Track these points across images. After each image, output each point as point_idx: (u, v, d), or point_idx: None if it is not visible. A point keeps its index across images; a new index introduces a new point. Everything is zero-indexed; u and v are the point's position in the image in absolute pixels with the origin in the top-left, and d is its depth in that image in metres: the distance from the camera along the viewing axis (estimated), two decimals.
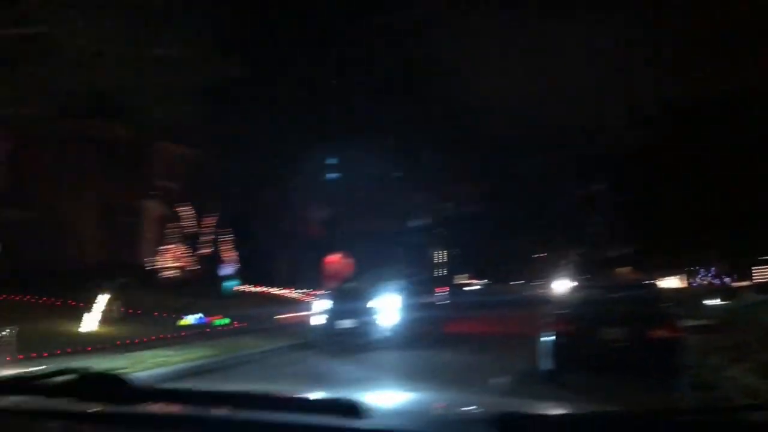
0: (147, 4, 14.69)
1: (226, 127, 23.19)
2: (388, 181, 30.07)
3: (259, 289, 26.88)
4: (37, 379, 1.35)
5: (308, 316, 15.55)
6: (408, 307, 14.65)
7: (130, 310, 16.98)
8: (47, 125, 18.95)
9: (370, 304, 14.39)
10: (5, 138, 23.34)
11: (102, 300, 15.67)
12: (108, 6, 14.27)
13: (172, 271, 26.80)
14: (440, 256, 45.36)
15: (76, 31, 13.98)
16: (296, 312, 19.08)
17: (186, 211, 28.03)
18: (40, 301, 17.13)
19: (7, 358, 10.53)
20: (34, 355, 11.13)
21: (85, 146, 24.59)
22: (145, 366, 10.55)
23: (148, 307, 17.59)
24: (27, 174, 24.82)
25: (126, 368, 10.22)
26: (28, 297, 17.15)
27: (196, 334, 15.46)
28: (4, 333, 10.78)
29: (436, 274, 40.86)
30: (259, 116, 23.17)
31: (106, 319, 15.55)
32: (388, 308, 14.37)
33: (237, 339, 14.60)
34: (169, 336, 14.77)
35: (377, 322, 14.10)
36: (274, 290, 27.10)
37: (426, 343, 13.86)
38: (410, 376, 10.28)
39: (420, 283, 17.66)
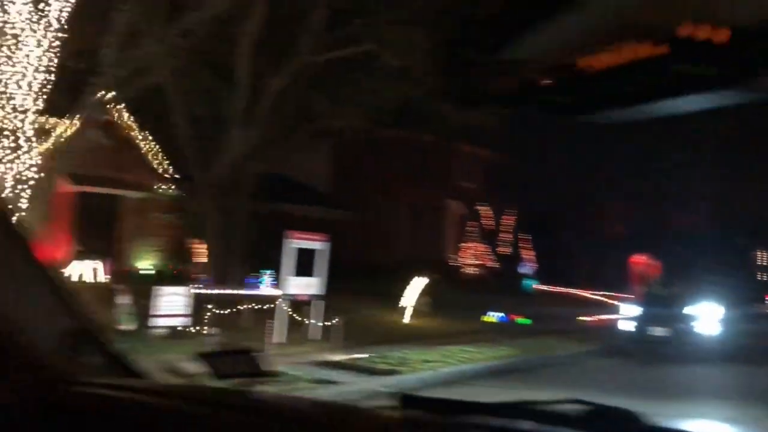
0: (452, 10, 15.27)
1: (525, 127, 23.23)
2: (703, 172, 27.32)
3: (558, 289, 26.44)
4: (543, 405, 1.38)
5: (614, 320, 14.81)
6: (731, 316, 13.13)
7: (437, 305, 17.85)
8: (365, 134, 20.85)
9: (685, 311, 13.21)
10: (332, 146, 26.25)
11: (413, 294, 16.70)
12: (415, 19, 15.16)
13: (472, 269, 27.70)
14: (763, 258, 39.92)
15: (389, 46, 15.13)
16: (600, 315, 18.32)
17: (486, 211, 28.75)
18: (359, 294, 18.84)
19: (338, 345, 11.77)
20: (359, 344, 12.24)
21: (396, 151, 26.57)
22: (453, 361, 10.96)
23: (452, 302, 18.31)
24: (348, 178, 27.68)
25: (437, 361, 10.76)
26: (348, 290, 18.96)
27: (499, 331, 15.67)
28: (334, 321, 12.10)
29: (760, 278, 36.07)
30: (563, 116, 22.72)
31: (416, 312, 16.56)
32: (706, 316, 13.03)
33: (540, 339, 14.46)
34: (474, 332, 15.19)
35: (694, 331, 12.87)
36: (574, 291, 26.41)
37: (755, 357, 12.25)
38: (745, 396, 9.12)
39: (743, 289, 15.72)
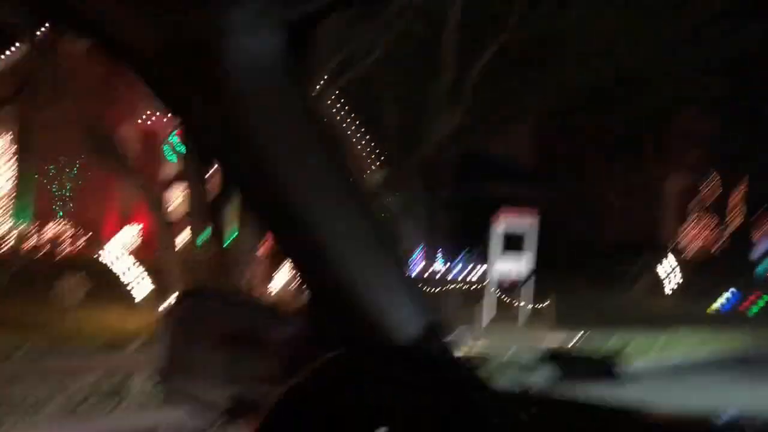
0: None
1: (754, 93, 20.85)
2: None
3: None
4: None
5: None
6: None
7: (657, 288, 16.70)
8: (571, 107, 19.98)
9: None
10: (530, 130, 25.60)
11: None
12: None
13: (697, 249, 25.47)
14: None
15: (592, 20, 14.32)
16: None
17: (711, 186, 26.29)
18: (569, 276, 18.14)
19: (549, 328, 11.42)
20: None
21: (606, 123, 25.21)
22: (681, 348, 10.15)
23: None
24: (553, 154, 26.82)
25: (663, 348, 10.00)
26: (557, 271, 18.34)
27: (731, 318, 14.25)
28: (545, 304, 11.74)
29: None
30: None
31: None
32: None
33: None
34: (701, 318, 13.96)
35: None
36: None
37: None
38: None
39: None
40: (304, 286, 1.05)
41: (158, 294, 10.83)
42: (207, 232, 11.90)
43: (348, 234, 0.96)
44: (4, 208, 19.15)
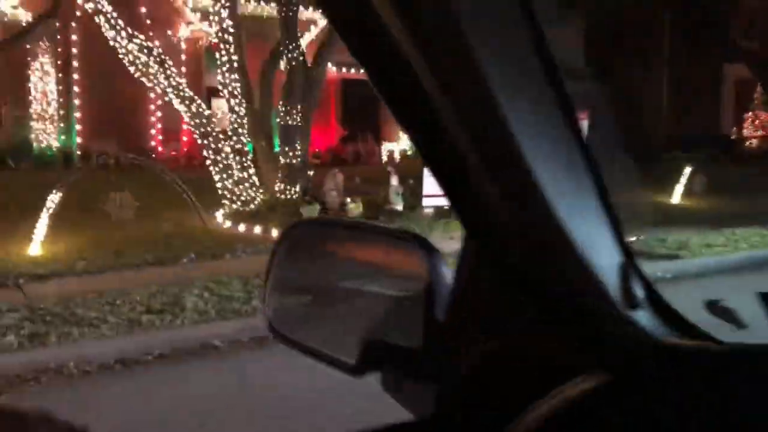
0: None
1: None
2: None
3: None
4: None
5: None
6: None
7: (714, 184, 16.06)
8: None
9: None
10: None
11: (684, 172, 15.27)
12: None
13: (758, 142, 24.36)
14: None
15: None
16: None
17: None
18: (621, 174, 17.60)
19: None
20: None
21: (658, 10, 23.79)
22: (743, 245, 9.80)
23: (732, 181, 16.38)
24: (602, 47, 25.51)
25: (723, 246, 9.68)
26: (612, 168, 17.80)
27: None
28: None
29: None
30: None
31: (689, 192, 15.16)
32: None
33: None
34: (762, 213, 13.42)
35: None
36: None
37: None
38: None
39: None
40: (464, 211, 0.83)
41: (208, 205, 10.89)
42: (251, 144, 11.80)
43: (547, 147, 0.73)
44: (50, 124, 19.33)
